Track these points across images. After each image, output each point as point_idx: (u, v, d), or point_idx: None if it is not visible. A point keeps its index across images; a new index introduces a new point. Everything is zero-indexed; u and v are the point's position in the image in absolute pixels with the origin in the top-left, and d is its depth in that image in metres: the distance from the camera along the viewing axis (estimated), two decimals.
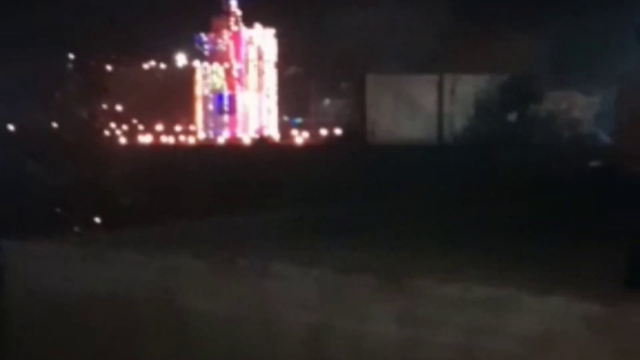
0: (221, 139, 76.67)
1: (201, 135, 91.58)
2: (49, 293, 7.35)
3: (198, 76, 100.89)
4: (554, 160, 16.85)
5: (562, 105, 19.40)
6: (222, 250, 7.20)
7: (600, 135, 18.10)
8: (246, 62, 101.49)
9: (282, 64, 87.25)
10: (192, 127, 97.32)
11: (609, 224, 8.15)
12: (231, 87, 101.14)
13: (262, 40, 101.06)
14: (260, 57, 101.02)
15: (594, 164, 14.15)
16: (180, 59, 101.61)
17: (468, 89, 21.18)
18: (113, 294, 6.95)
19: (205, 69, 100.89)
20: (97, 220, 14.99)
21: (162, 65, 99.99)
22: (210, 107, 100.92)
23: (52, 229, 9.29)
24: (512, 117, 20.05)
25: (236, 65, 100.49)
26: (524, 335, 5.91)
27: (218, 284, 6.65)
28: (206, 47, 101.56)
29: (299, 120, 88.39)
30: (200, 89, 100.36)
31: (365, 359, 6.37)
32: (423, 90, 23.77)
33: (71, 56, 43.36)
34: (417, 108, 23.79)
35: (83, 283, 7.17)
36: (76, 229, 11.15)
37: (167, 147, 55.78)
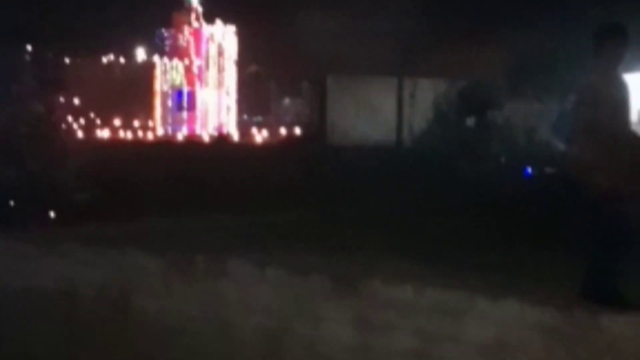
0: (180, 136, 76.16)
1: (160, 131, 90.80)
2: None
3: (158, 72, 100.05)
4: (509, 167, 17.00)
5: (519, 112, 19.57)
6: (177, 249, 7.14)
7: (555, 143, 18.20)
8: (206, 59, 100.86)
9: (243, 62, 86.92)
10: (150, 123, 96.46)
11: (566, 233, 8.23)
12: (191, 83, 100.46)
13: (223, 37, 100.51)
14: (220, 54, 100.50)
15: (549, 170, 14.30)
16: (140, 54, 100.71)
17: (427, 93, 21.27)
18: (64, 291, 6.86)
19: (165, 64, 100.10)
20: (51, 215, 14.76)
21: (122, 60, 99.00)
22: (170, 103, 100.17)
23: (3, 224, 9.14)
24: (469, 122, 20.19)
25: (196, 62, 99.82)
26: (478, 341, 5.94)
27: (173, 283, 6.59)
28: (166, 42, 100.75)
29: (258, 118, 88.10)
30: (160, 85, 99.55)
31: None
32: (383, 93, 23.84)
33: (28, 48, 42.70)
34: (376, 110, 23.85)
35: (35, 279, 7.08)
36: (29, 224, 10.98)
37: (124, 142, 55.23)
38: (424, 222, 10.21)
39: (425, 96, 21.31)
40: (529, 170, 15.78)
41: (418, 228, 9.75)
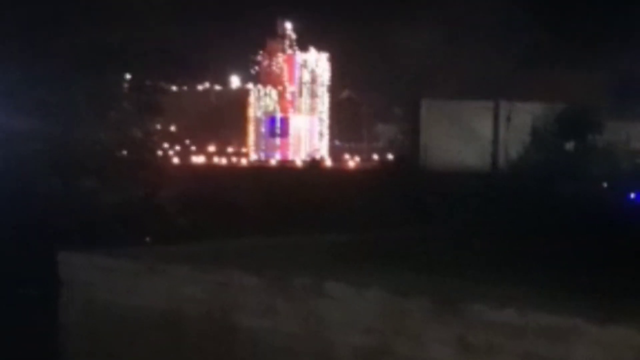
0: (273, 162, 76.93)
1: (253, 157, 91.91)
2: (105, 305, 7.35)
3: (251, 98, 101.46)
4: (611, 192, 16.53)
5: (621, 135, 19.04)
6: (276, 268, 7.14)
7: None
8: (299, 85, 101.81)
9: (336, 87, 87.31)
10: (244, 149, 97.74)
11: None
12: (284, 109, 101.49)
13: (316, 64, 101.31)
14: (314, 80, 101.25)
15: None
16: (235, 81, 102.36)
17: (524, 116, 20.88)
18: (167, 308, 6.92)
19: (258, 91, 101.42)
20: (153, 239, 15.05)
21: (217, 87, 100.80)
22: (263, 129, 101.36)
23: (108, 244, 9.35)
24: (569, 147, 19.72)
25: (289, 88, 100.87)
26: None
27: (273, 302, 6.58)
28: (260, 69, 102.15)
29: (351, 144, 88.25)
30: (253, 111, 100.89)
31: None
32: (478, 117, 23.51)
33: (128, 76, 43.90)
34: (471, 135, 23.54)
35: (139, 296, 7.16)
36: (131, 243, 11.19)
37: (219, 167, 56.07)
38: (521, 244, 10.00)
39: (523, 120, 20.94)
40: (633, 195, 15.31)
41: (516, 249, 9.54)
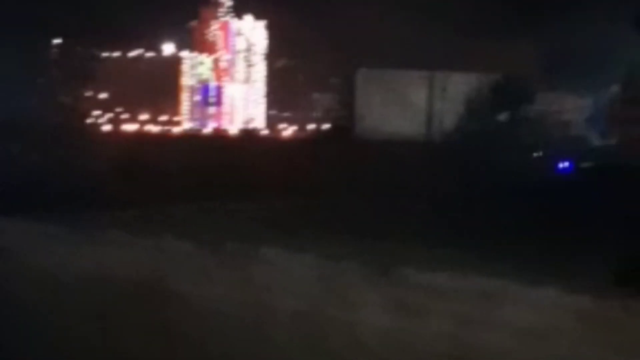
0: (206, 130, 76.16)
1: (186, 125, 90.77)
2: (39, 271, 7.17)
3: (185, 66, 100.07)
4: (542, 161, 16.76)
5: (553, 106, 19.28)
6: (211, 234, 7.03)
7: (590, 136, 18.00)
8: (234, 53, 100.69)
9: (272, 56, 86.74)
10: (177, 118, 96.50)
11: (598, 223, 8.07)
12: (219, 78, 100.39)
13: (252, 32, 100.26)
14: (249, 48, 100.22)
15: (585, 164, 14.06)
16: (168, 48, 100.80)
17: (459, 87, 21.01)
18: (102, 274, 6.77)
19: (192, 59, 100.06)
20: (84, 202, 14.70)
21: (150, 54, 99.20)
22: (197, 97, 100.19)
23: (38, 211, 9.11)
24: (502, 117, 19.92)
25: (224, 56, 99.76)
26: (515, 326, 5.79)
27: (207, 267, 6.47)
28: (195, 37, 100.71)
29: (287, 114, 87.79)
30: (187, 79, 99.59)
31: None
32: (414, 87, 23.61)
33: (56, 42, 42.99)
34: (407, 104, 23.63)
35: (72, 262, 6.99)
36: (63, 209, 10.93)
37: (151, 135, 55.42)
38: (451, 210, 10.08)
39: (457, 90, 21.06)
40: (564, 164, 15.54)
41: (446, 217, 9.61)
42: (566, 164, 15.55)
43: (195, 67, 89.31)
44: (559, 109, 18.96)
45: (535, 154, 17.81)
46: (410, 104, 23.50)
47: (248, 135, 48.29)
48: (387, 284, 6.23)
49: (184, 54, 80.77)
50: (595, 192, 10.72)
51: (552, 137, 18.42)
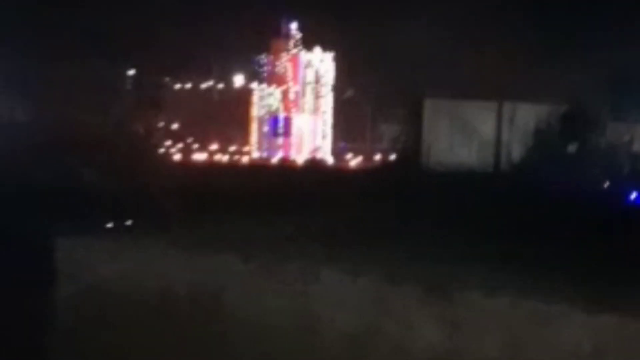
0: (274, 160, 76.79)
1: (255, 155, 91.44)
2: (101, 288, 7.31)
3: (255, 97, 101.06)
4: (612, 192, 16.48)
5: (624, 137, 18.98)
6: (270, 253, 7.09)
7: None
8: (303, 85, 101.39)
9: (339, 87, 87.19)
10: (246, 148, 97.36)
11: None
12: (287, 109, 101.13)
13: (321, 64, 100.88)
14: (317, 80, 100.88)
15: None
16: (238, 80, 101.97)
17: (527, 117, 20.82)
18: (161, 290, 6.87)
19: (262, 90, 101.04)
20: (148, 225, 14.95)
21: (220, 85, 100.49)
22: (265, 128, 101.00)
23: (105, 230, 9.31)
24: (571, 148, 19.66)
25: (293, 88, 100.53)
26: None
27: (264, 287, 6.53)
28: (264, 69, 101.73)
29: (353, 144, 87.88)
30: (257, 110, 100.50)
31: None
32: (481, 117, 23.47)
33: (130, 72, 44.08)
34: (474, 135, 23.50)
35: (133, 279, 7.11)
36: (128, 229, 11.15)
37: (220, 164, 56.13)
38: (516, 244, 9.97)
39: (526, 121, 20.89)
40: (634, 195, 15.25)
41: (514, 250, 9.51)
42: (636, 194, 15.27)
43: (264, 99, 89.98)
44: (629, 139, 18.66)
45: (604, 185, 17.52)
46: (478, 134, 23.35)
47: (314, 165, 48.56)
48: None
49: (254, 85, 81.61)
50: None
51: (622, 168, 18.11)
